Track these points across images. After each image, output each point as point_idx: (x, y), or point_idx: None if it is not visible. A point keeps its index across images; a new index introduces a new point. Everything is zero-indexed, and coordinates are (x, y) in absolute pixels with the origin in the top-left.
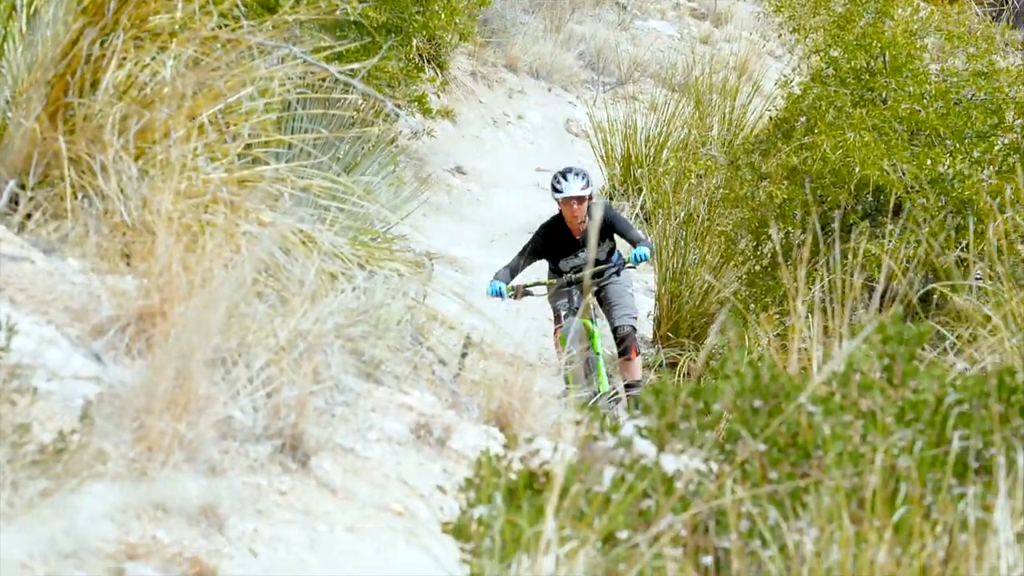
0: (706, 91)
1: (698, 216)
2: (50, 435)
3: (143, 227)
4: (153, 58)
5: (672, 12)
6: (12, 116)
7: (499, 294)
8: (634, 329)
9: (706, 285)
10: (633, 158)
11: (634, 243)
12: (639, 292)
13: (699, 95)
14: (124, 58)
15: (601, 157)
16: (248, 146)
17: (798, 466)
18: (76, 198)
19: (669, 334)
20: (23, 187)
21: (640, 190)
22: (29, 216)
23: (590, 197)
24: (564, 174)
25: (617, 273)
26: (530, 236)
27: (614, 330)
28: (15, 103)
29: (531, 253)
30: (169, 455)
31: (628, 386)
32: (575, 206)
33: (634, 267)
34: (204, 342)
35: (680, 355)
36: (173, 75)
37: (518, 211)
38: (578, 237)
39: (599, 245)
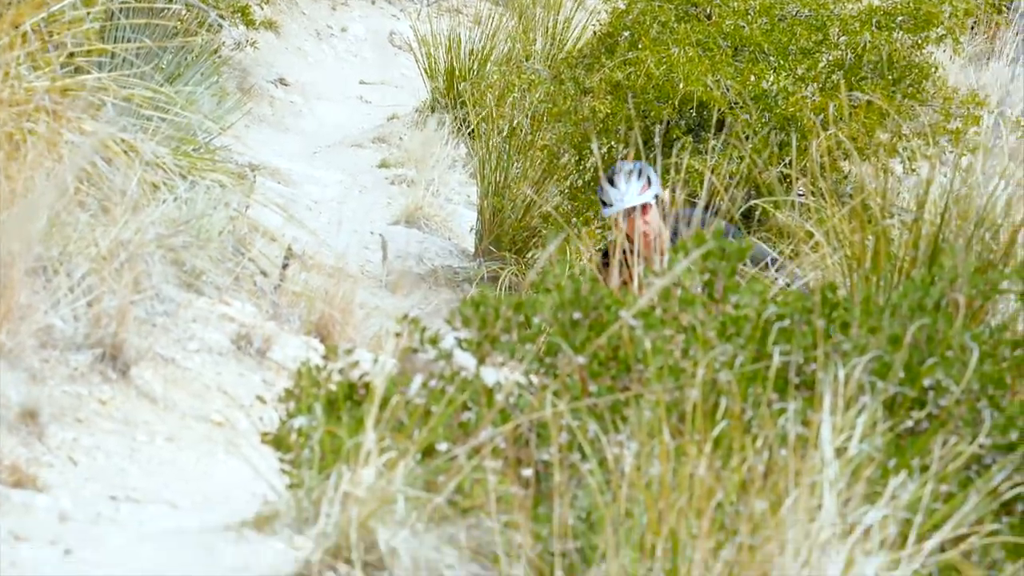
0: (529, 5)
1: (521, 130)
2: None
3: None
4: None
5: None
6: None
7: None
8: None
9: (528, 199)
10: (457, 72)
11: None
12: (460, 205)
13: (523, 9)
14: None
15: (424, 70)
16: (71, 55)
17: (619, 380)
18: None
19: (491, 247)
20: None
21: (463, 104)
22: None
23: (658, 199)
24: (610, 178)
25: None
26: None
27: None
28: None
29: None
30: None
31: None
32: (637, 220)
33: None
34: (25, 250)
35: (502, 269)
36: None
37: (342, 123)
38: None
39: None
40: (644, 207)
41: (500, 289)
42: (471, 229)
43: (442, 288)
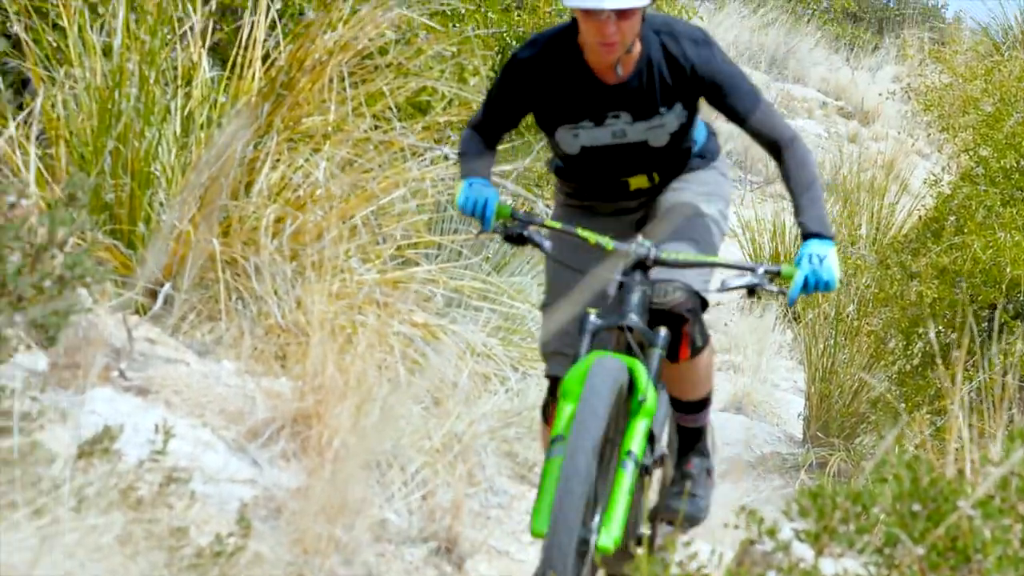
0: (854, 190)
1: (848, 315)
2: (207, 538)
3: (297, 329)
4: (306, 160)
5: (819, 111)
6: (166, 219)
7: (481, 216)
8: (696, 302)
9: (856, 384)
10: (782, 257)
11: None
12: (787, 391)
13: (847, 194)
14: (277, 160)
15: (749, 255)
16: (400, 247)
17: (958, 570)
18: (230, 300)
19: (819, 433)
20: (177, 289)
21: None
22: (183, 318)
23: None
24: None
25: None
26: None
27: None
28: (169, 206)
29: (503, 112)
30: (326, 559)
31: (683, 408)
32: (608, 28)
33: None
34: (359, 444)
35: (830, 455)
36: (326, 177)
37: None
38: (611, 84)
39: (660, 111)
40: (626, 13)
41: (828, 475)
42: (798, 415)
43: (772, 475)
